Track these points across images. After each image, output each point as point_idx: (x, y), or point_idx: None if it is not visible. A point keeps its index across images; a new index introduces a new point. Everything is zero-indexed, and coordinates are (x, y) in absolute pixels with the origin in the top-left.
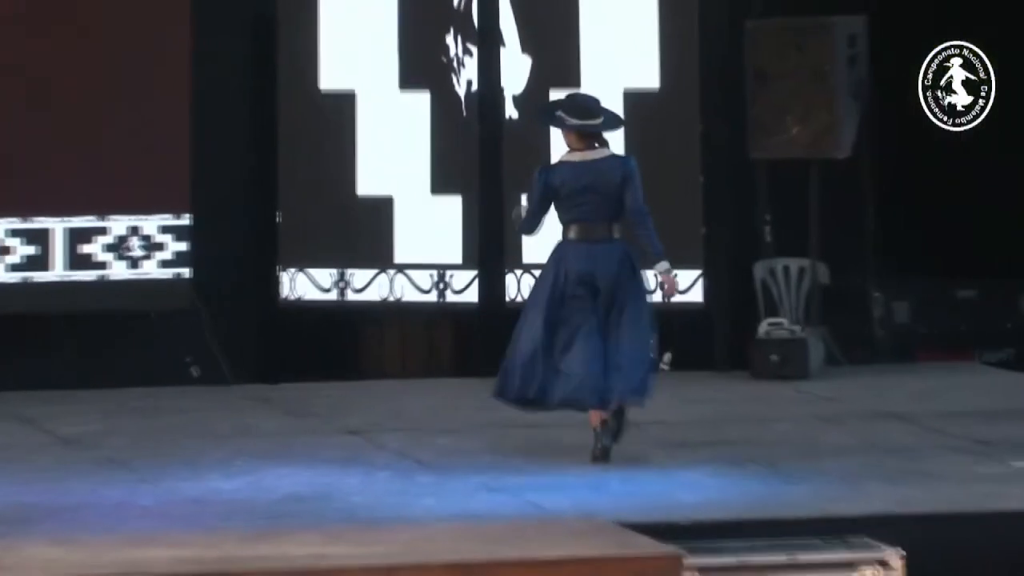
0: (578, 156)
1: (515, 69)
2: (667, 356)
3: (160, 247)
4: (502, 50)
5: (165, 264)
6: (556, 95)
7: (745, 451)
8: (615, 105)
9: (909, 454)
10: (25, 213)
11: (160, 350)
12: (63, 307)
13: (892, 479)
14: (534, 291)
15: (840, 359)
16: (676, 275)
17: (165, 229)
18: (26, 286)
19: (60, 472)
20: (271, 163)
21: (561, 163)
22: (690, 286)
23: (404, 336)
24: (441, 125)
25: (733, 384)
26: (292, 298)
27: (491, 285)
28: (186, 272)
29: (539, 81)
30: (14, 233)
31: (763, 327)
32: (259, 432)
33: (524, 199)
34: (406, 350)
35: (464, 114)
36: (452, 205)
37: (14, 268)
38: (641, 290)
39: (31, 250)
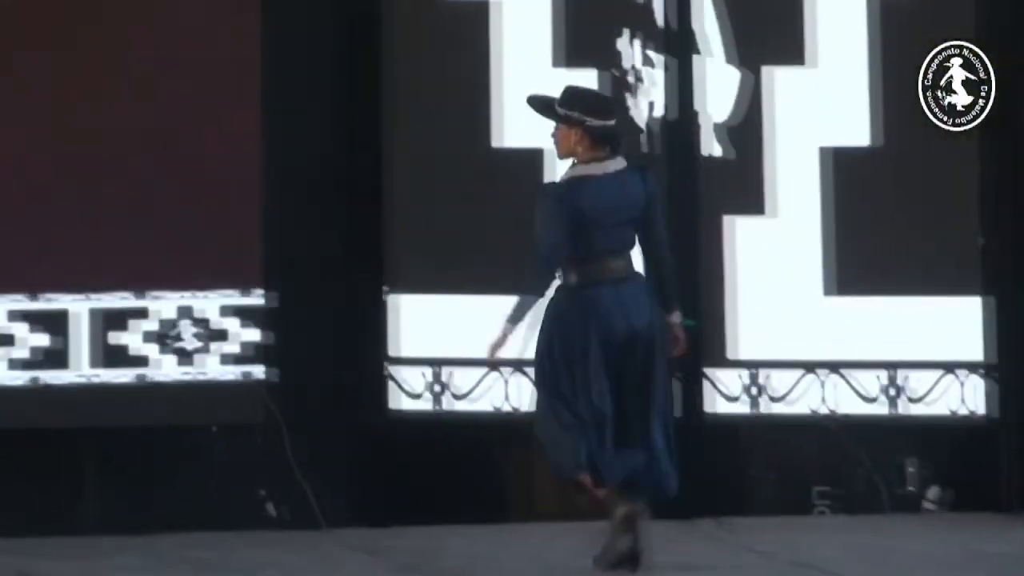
0: (597, 168)
1: (719, 88)
2: (935, 490)
3: (222, 336)
4: (697, 60)
5: (229, 360)
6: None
7: None
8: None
9: None
10: (35, 288)
11: (225, 480)
12: (88, 419)
13: None
14: (560, 349)
15: None
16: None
17: (230, 311)
18: (36, 390)
19: None
20: (374, 220)
21: (582, 178)
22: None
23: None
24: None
25: None
26: (406, 407)
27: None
28: (259, 371)
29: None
30: (21, 316)
31: None
32: None
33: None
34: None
35: (645, 146)
36: None
37: (22, 365)
38: (666, 347)
39: (43, 340)
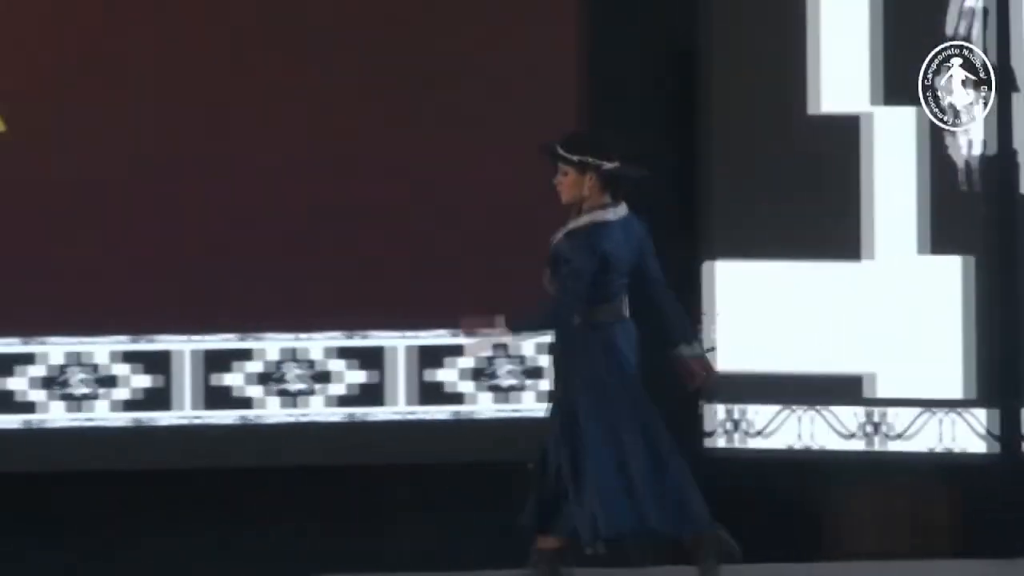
0: (612, 214)
1: None
2: None
3: (538, 373)
4: (1016, 97)
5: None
6: None
7: None
8: None
9: None
10: (352, 327)
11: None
12: (400, 454)
13: None
14: (607, 399)
15: None
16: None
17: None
18: (353, 426)
19: None
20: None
21: (600, 224)
22: None
23: (887, 498)
24: (933, 191)
25: None
26: (722, 444)
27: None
28: None
29: None
30: (337, 353)
31: None
32: None
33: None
34: (888, 518)
35: (963, 184)
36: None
37: (338, 402)
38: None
39: (360, 376)
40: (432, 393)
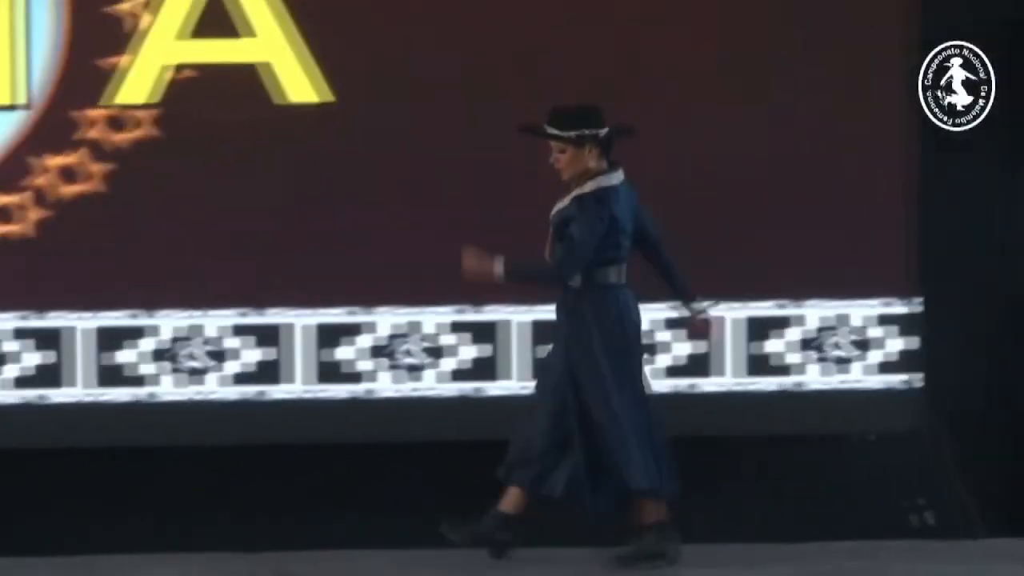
0: (614, 178)
1: None
2: None
3: (870, 345)
4: None
5: (875, 368)
6: None
7: None
8: None
9: None
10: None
11: (868, 488)
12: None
13: None
14: (625, 361)
15: None
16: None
17: (873, 320)
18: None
19: None
20: None
21: (608, 188)
22: None
23: None
24: None
25: None
26: None
27: None
28: (907, 378)
29: None
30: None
31: None
32: None
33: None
34: None
35: None
36: None
37: None
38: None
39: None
40: (760, 364)
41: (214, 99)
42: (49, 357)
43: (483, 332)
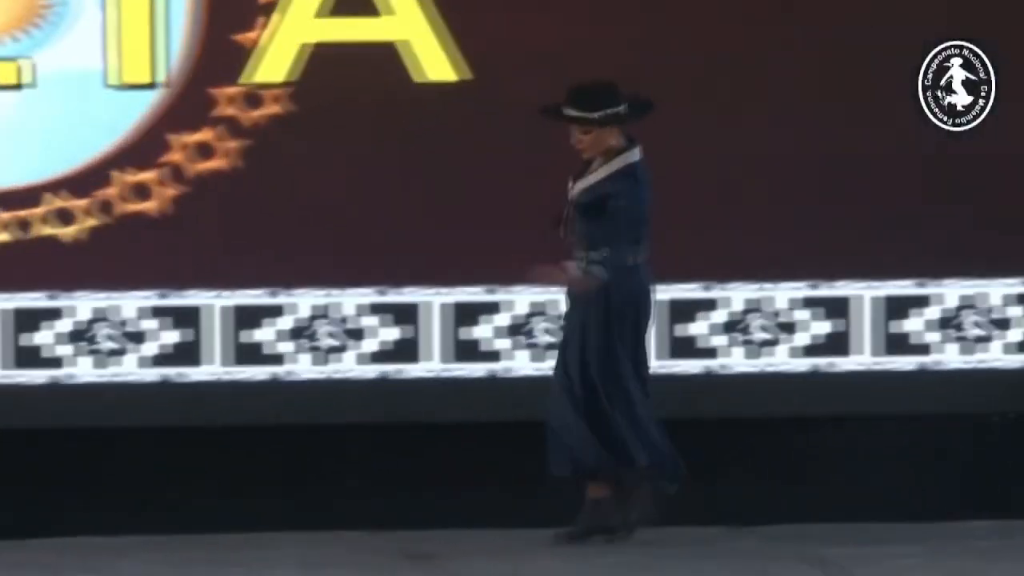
0: (637, 153)
1: None
2: None
3: (1007, 324)
4: None
5: (1012, 348)
6: None
7: None
8: None
9: None
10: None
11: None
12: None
13: None
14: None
15: None
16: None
17: (1012, 299)
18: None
19: None
20: None
21: (636, 164)
22: None
23: None
24: None
25: None
26: None
27: None
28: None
29: None
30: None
31: None
32: None
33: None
34: None
35: None
36: None
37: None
38: None
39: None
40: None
41: (352, 77)
42: (187, 335)
43: None
